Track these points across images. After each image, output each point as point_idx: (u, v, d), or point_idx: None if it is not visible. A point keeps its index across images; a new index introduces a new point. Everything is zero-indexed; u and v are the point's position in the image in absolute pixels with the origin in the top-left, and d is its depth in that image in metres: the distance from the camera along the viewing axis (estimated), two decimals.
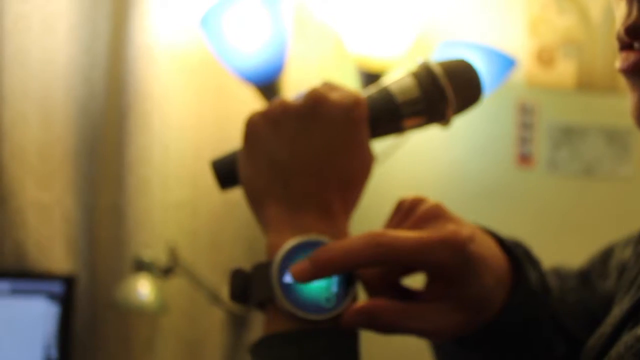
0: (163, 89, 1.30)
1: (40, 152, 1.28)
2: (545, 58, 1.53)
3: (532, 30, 1.51)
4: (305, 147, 0.42)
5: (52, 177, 1.29)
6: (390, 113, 0.45)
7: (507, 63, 1.26)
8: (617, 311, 0.41)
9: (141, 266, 1.19)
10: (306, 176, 0.41)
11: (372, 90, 0.46)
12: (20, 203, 1.26)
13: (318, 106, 0.42)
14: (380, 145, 1.35)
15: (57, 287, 1.21)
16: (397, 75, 0.47)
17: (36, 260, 1.26)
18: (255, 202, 0.43)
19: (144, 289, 1.18)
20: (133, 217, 1.29)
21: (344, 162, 0.42)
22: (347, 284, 0.40)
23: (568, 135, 1.55)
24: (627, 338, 0.34)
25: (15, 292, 1.20)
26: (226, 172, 0.47)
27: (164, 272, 1.22)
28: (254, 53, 1.12)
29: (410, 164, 1.47)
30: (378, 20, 1.22)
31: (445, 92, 0.44)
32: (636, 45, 0.38)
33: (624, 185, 1.56)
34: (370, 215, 1.49)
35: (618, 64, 0.39)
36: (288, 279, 0.39)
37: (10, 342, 1.18)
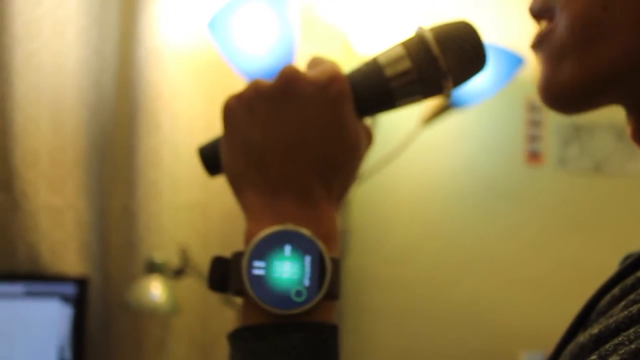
0: (172, 91, 1.31)
1: (51, 156, 1.29)
2: None
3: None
4: (279, 129, 0.39)
5: (63, 181, 1.29)
6: (379, 88, 0.41)
7: (514, 61, 1.26)
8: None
9: (153, 268, 1.20)
10: (282, 160, 0.39)
11: (361, 64, 0.42)
12: (32, 206, 1.27)
13: (289, 85, 0.39)
14: (389, 143, 1.35)
15: (70, 289, 1.22)
16: (388, 45, 0.42)
17: (49, 263, 1.27)
18: (236, 188, 0.41)
19: (155, 290, 1.19)
20: (144, 220, 1.29)
21: (323, 143, 0.39)
22: (320, 278, 0.38)
23: (577, 132, 1.54)
24: (571, 346, 0.34)
25: (29, 294, 1.21)
26: (212, 157, 0.45)
27: (176, 273, 1.23)
28: (262, 55, 1.13)
29: (420, 163, 1.47)
30: (385, 20, 1.22)
31: (438, 61, 0.40)
32: (538, 21, 0.40)
33: (633, 182, 1.54)
34: (380, 213, 1.49)
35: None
36: (257, 271, 0.38)
37: (25, 343, 1.19)
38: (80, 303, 1.23)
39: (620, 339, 0.29)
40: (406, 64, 0.40)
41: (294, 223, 0.38)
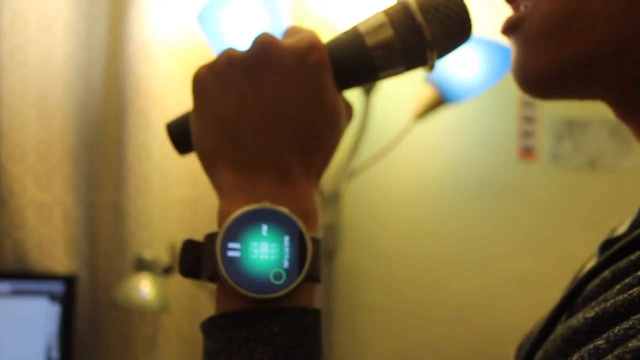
0: (162, 85, 1.29)
1: (39, 151, 1.27)
2: None
3: None
4: (254, 101, 0.37)
5: (51, 176, 1.27)
6: (359, 58, 0.38)
7: (508, 56, 1.25)
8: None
9: (142, 265, 1.19)
10: (257, 134, 0.37)
11: (340, 33, 0.40)
12: (19, 203, 1.25)
13: (265, 53, 0.37)
14: (381, 139, 1.34)
15: (57, 287, 1.20)
16: (369, 14, 0.40)
17: (36, 261, 1.25)
18: (208, 165, 0.39)
19: (145, 287, 1.17)
20: (133, 216, 1.28)
21: (301, 116, 0.37)
22: (300, 259, 0.35)
23: (571, 128, 1.53)
24: (561, 330, 0.33)
25: (15, 292, 1.19)
26: (181, 134, 0.42)
27: (165, 270, 1.22)
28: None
29: (412, 158, 1.46)
30: (373, 11, 1.20)
31: (422, 30, 0.38)
32: (514, 7, 0.40)
33: (627, 178, 1.54)
34: (372, 209, 1.48)
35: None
36: (232, 252, 0.35)
37: (12, 343, 1.17)
38: (68, 301, 1.21)
39: (630, 322, 0.29)
40: (388, 32, 0.38)
41: (271, 201, 0.36)
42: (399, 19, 0.38)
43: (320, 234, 0.38)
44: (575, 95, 0.41)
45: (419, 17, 0.38)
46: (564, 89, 0.40)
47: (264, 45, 0.37)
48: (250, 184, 0.37)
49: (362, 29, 0.39)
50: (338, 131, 0.39)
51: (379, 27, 0.38)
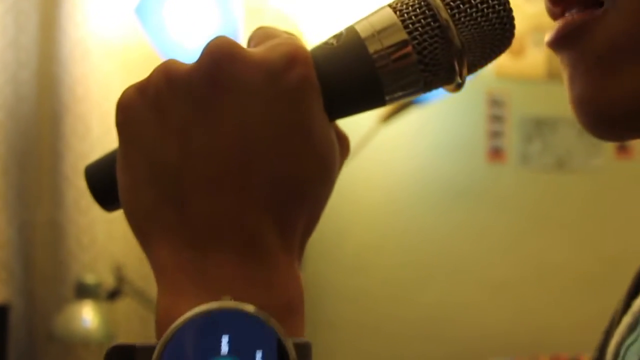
0: (101, 88, 1.24)
1: None
2: (514, 47, 1.48)
3: None
4: (206, 142, 0.25)
5: None
6: (359, 73, 0.27)
7: None
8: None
9: (84, 290, 1.13)
10: (212, 190, 0.25)
11: (330, 37, 0.29)
12: None
13: (221, 70, 0.25)
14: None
15: None
16: (372, 10, 0.28)
17: None
18: (140, 234, 0.27)
19: (87, 315, 1.11)
20: (73, 235, 1.22)
21: (277, 161, 0.25)
22: None
23: (539, 127, 1.53)
24: None
25: None
26: (105, 183, 0.29)
27: (111, 295, 1.17)
28: (200, 47, 1.01)
29: (378, 163, 1.42)
30: (334, 4, 1.14)
31: (449, 32, 0.26)
32: (558, 12, 0.29)
33: (595, 177, 1.56)
34: (336, 217, 1.42)
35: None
36: None
37: None
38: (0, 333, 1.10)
39: None
40: (399, 36, 0.27)
41: (234, 292, 0.24)
42: (415, 17, 0.27)
43: (305, 335, 0.26)
44: None
45: (445, 14, 0.26)
46: None
47: (220, 58, 0.25)
48: (202, 267, 0.25)
49: (362, 32, 0.27)
50: (330, 176, 0.27)
51: (386, 29, 0.27)
